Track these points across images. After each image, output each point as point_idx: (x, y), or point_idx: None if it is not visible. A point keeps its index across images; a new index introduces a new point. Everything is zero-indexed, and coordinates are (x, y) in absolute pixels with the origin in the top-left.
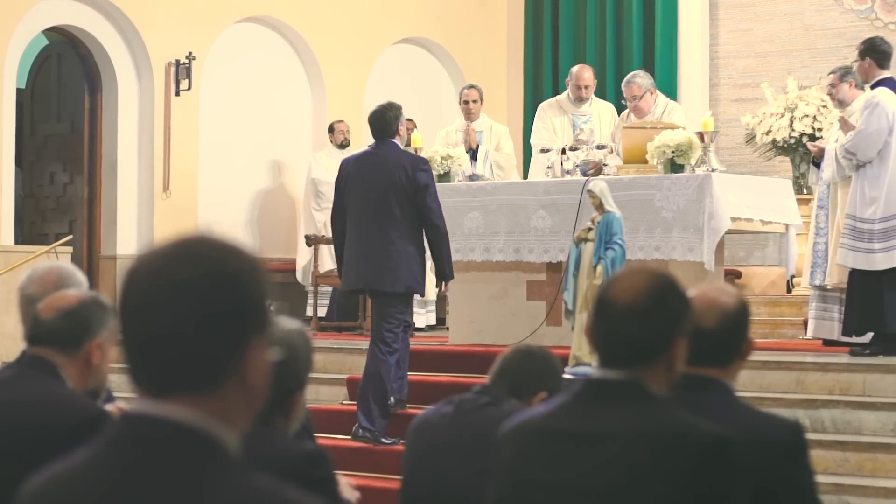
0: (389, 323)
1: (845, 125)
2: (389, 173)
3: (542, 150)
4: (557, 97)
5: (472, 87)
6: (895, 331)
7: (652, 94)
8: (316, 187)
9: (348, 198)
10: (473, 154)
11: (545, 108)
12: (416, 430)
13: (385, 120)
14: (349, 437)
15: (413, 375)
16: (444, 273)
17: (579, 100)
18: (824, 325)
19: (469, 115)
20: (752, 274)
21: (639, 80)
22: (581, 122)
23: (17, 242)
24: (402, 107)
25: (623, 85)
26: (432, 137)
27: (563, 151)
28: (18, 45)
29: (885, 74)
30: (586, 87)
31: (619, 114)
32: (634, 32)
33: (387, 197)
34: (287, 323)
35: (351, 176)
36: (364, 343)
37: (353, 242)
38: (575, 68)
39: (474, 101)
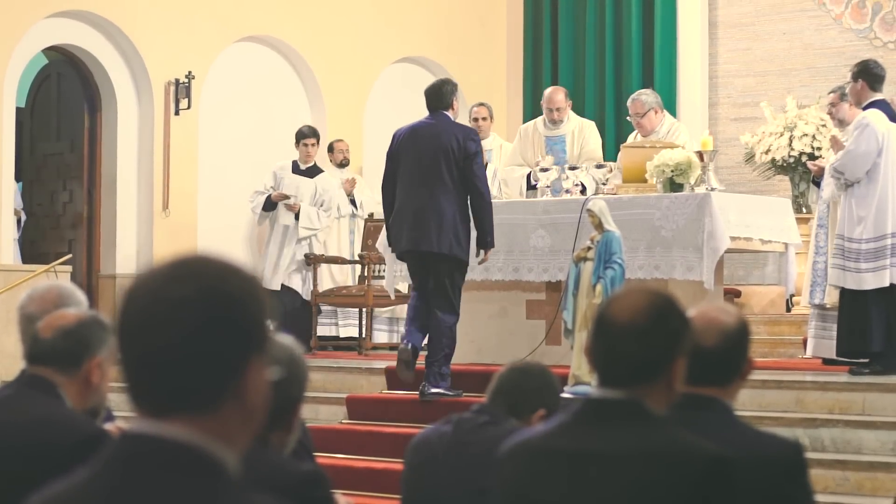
0: (442, 284)
1: (836, 144)
2: (442, 141)
3: (542, 170)
4: (535, 120)
5: (481, 104)
6: (880, 349)
7: (657, 113)
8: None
9: (400, 165)
10: None
11: (521, 133)
12: (415, 450)
13: (442, 92)
14: (349, 455)
15: (412, 394)
16: (486, 241)
17: (552, 122)
18: (824, 344)
19: (479, 133)
20: (752, 293)
21: (643, 97)
22: (552, 143)
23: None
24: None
25: (628, 102)
26: None
27: (529, 175)
28: (18, 64)
29: (877, 97)
30: (558, 110)
31: (611, 130)
32: (634, 51)
33: (437, 163)
34: (283, 339)
35: (403, 144)
36: (365, 363)
37: (403, 207)
38: (547, 90)
39: (483, 119)
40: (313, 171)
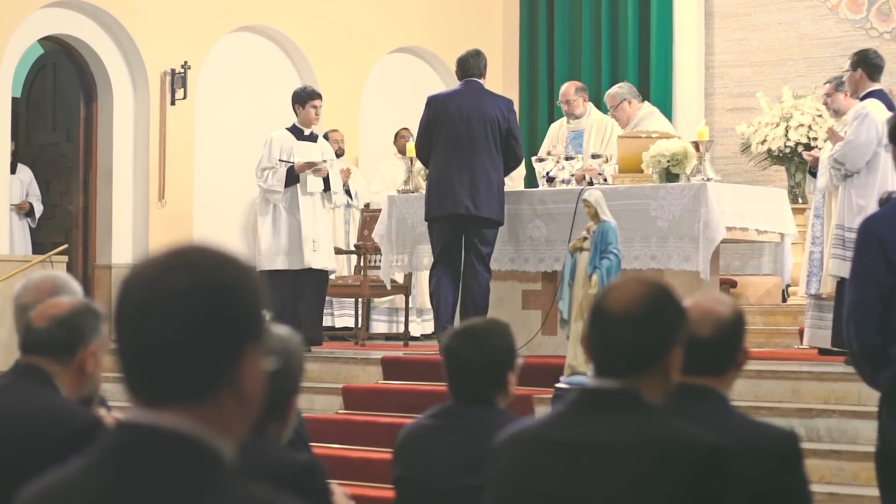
0: (488, 245)
1: (833, 136)
2: (486, 111)
3: (539, 160)
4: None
5: None
6: None
7: (630, 103)
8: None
9: (442, 131)
10: None
11: (550, 129)
12: (405, 442)
13: (479, 60)
14: (345, 445)
15: (408, 384)
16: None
17: (567, 115)
18: (819, 335)
19: None
20: (748, 283)
21: (613, 90)
22: (573, 138)
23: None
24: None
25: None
26: None
27: (541, 160)
28: (14, 54)
29: (875, 86)
30: (567, 102)
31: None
32: (630, 42)
33: (484, 131)
34: (279, 330)
35: (443, 111)
36: (361, 353)
37: (448, 172)
38: (563, 86)
39: None
40: (315, 136)
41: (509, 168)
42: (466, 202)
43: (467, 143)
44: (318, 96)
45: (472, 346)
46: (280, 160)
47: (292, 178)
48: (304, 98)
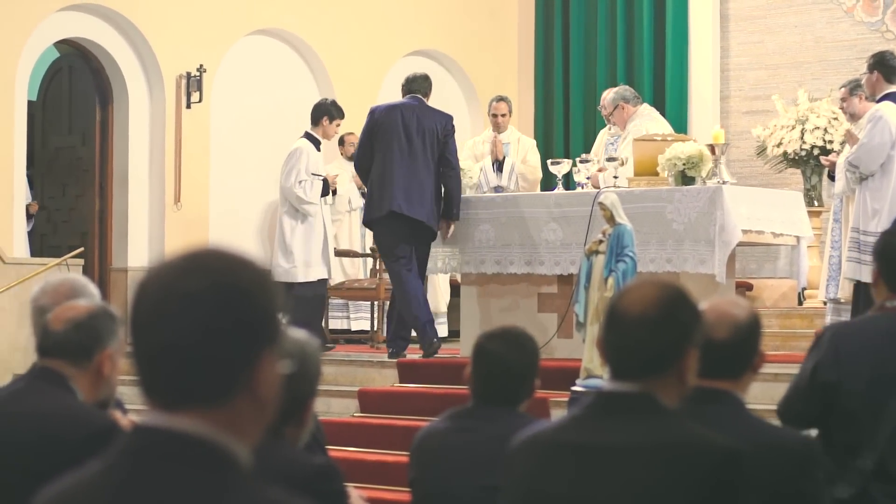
0: (424, 253)
1: (851, 138)
2: (426, 122)
3: (554, 163)
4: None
5: (501, 99)
6: None
7: (623, 108)
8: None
9: (382, 139)
10: (500, 165)
11: (601, 133)
12: (421, 445)
13: (427, 82)
14: (361, 449)
15: (424, 388)
16: (452, 213)
17: (608, 120)
18: None
19: (497, 128)
20: (764, 286)
21: (607, 96)
22: (610, 142)
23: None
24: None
25: None
26: None
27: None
28: (30, 58)
29: (892, 89)
30: (604, 108)
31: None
32: (645, 45)
33: (423, 141)
34: (295, 333)
35: (385, 120)
36: (377, 356)
37: (387, 176)
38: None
39: (503, 115)
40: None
41: (445, 176)
42: (400, 201)
43: (406, 151)
44: (343, 117)
45: (512, 349)
46: (313, 174)
47: (325, 190)
48: (334, 114)
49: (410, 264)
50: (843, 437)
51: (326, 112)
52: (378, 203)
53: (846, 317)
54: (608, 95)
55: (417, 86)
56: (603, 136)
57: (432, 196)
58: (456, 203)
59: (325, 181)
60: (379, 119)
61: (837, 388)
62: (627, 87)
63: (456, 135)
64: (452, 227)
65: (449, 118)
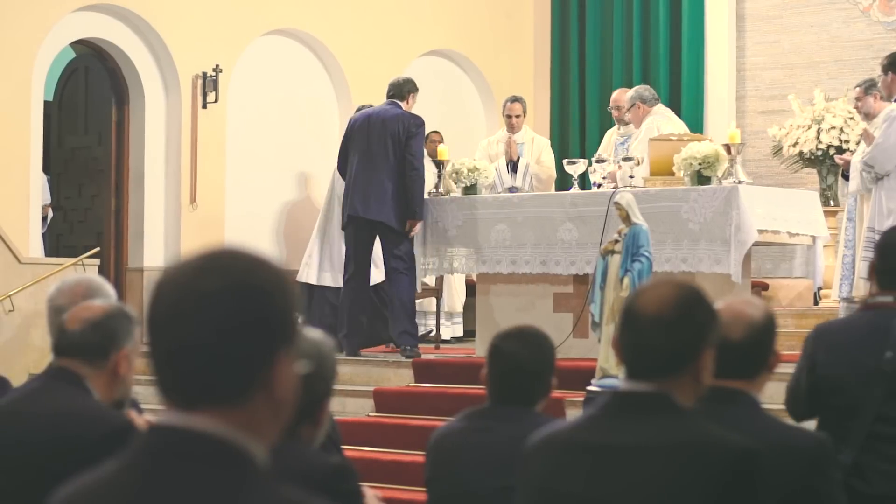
0: (397, 252)
1: (868, 137)
2: (387, 124)
3: (570, 163)
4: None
5: (515, 100)
6: None
7: (639, 107)
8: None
9: (354, 144)
10: (514, 166)
11: (608, 133)
12: (437, 445)
13: (401, 86)
14: (376, 448)
15: (439, 387)
16: (415, 212)
17: (618, 121)
18: None
19: (512, 128)
20: (779, 286)
21: (625, 96)
22: (620, 143)
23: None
24: (419, 89)
25: None
26: (459, 149)
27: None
28: (46, 58)
29: None
30: (618, 108)
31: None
32: (661, 44)
33: (384, 145)
34: (312, 333)
35: (358, 126)
36: (392, 356)
37: (352, 180)
38: (614, 92)
39: (517, 116)
40: None
41: (406, 177)
42: (357, 205)
43: (370, 154)
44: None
45: (528, 349)
46: None
47: None
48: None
49: (361, 276)
50: (829, 433)
51: None
52: (343, 208)
53: None
54: (627, 93)
55: (394, 90)
56: (611, 135)
57: (393, 197)
58: (417, 202)
59: None
60: (353, 127)
61: (821, 386)
62: (648, 87)
63: (472, 134)
64: (418, 227)
65: (413, 119)
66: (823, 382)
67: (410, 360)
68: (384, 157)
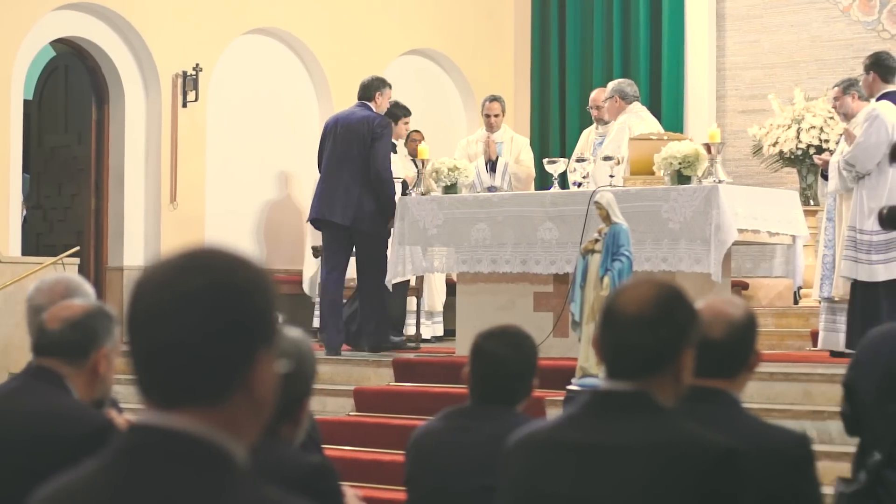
0: (370, 256)
1: (849, 136)
2: (353, 126)
3: (550, 162)
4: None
5: (494, 99)
6: None
7: (617, 101)
8: None
9: (326, 147)
10: (493, 165)
11: (584, 132)
12: (417, 444)
13: (368, 86)
14: (357, 448)
15: (420, 387)
16: (385, 213)
17: (597, 120)
18: (832, 338)
19: (490, 128)
20: (759, 285)
21: (607, 87)
22: (598, 143)
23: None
24: (391, 86)
25: None
26: (440, 148)
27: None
28: (26, 57)
29: (889, 88)
30: (597, 108)
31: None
32: (641, 44)
33: (350, 147)
34: (291, 332)
35: (331, 129)
36: (372, 355)
37: (321, 182)
38: (593, 91)
39: (496, 116)
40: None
41: (372, 182)
42: (324, 208)
43: (337, 156)
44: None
45: (510, 348)
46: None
47: (404, 191)
48: (399, 115)
49: (337, 273)
50: (860, 438)
51: (392, 115)
52: (312, 207)
53: (841, 316)
54: (609, 84)
55: (362, 91)
56: (588, 134)
57: (359, 199)
58: (385, 203)
59: (405, 183)
60: (326, 128)
61: (853, 391)
62: (632, 83)
63: (452, 133)
64: (390, 224)
65: (377, 120)
66: (852, 388)
67: (394, 350)
68: (350, 161)
